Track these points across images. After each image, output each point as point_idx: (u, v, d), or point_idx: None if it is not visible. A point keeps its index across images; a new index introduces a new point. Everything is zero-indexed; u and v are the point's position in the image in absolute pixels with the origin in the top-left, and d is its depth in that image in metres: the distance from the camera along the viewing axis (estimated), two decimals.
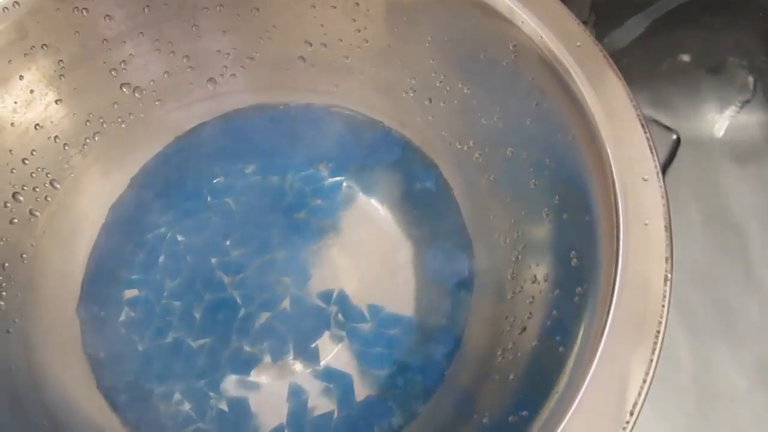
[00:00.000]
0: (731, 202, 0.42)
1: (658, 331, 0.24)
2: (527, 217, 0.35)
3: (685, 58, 0.46)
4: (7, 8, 0.34)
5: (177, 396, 0.37)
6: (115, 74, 0.40)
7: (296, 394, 0.37)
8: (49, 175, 0.39)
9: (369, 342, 0.38)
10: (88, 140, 0.40)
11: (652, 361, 0.24)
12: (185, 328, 0.39)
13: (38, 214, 0.38)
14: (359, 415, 0.36)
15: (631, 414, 0.23)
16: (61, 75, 0.37)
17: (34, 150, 0.38)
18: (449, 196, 0.41)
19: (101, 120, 0.40)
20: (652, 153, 0.27)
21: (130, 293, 0.40)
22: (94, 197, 0.41)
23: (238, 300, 0.40)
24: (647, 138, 0.28)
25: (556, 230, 0.32)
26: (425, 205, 0.41)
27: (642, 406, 0.23)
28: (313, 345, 0.39)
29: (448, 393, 0.36)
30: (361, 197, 0.43)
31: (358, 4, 0.38)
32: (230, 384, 0.38)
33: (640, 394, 0.23)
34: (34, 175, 0.38)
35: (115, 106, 0.41)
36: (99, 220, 0.41)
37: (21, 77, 0.36)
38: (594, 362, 0.24)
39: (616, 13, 0.46)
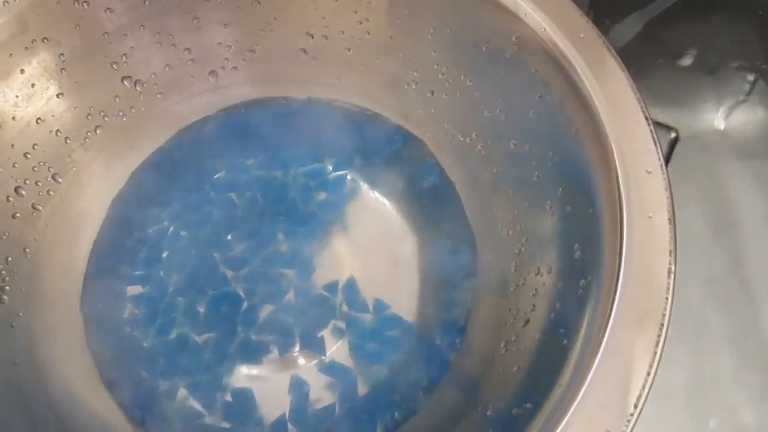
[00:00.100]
0: (730, 199, 0.42)
1: (662, 324, 0.24)
2: (530, 209, 0.35)
3: (684, 56, 0.46)
4: (7, 1, 0.34)
5: (182, 390, 0.37)
6: (116, 67, 0.39)
7: (298, 386, 0.37)
8: (51, 169, 0.39)
9: (365, 336, 0.39)
10: (89, 134, 0.40)
11: (656, 353, 0.24)
12: (189, 323, 0.39)
13: (40, 208, 0.38)
14: (361, 408, 0.37)
15: (635, 407, 0.23)
16: (62, 68, 0.37)
17: (35, 144, 0.37)
18: (452, 190, 0.41)
19: (102, 113, 0.40)
20: (655, 145, 0.27)
21: (134, 289, 0.40)
22: (97, 191, 0.41)
23: (242, 294, 0.40)
24: (651, 130, 0.28)
25: (559, 223, 0.32)
26: (428, 198, 0.41)
27: (646, 399, 0.23)
28: (318, 335, 0.39)
29: (452, 385, 0.36)
30: (365, 191, 0.43)
31: None
32: (234, 377, 0.38)
33: (644, 386, 0.23)
34: (36, 169, 0.38)
35: (117, 99, 0.41)
36: (101, 214, 0.41)
37: (22, 71, 0.36)
38: (598, 355, 0.24)
39: (615, 11, 0.46)
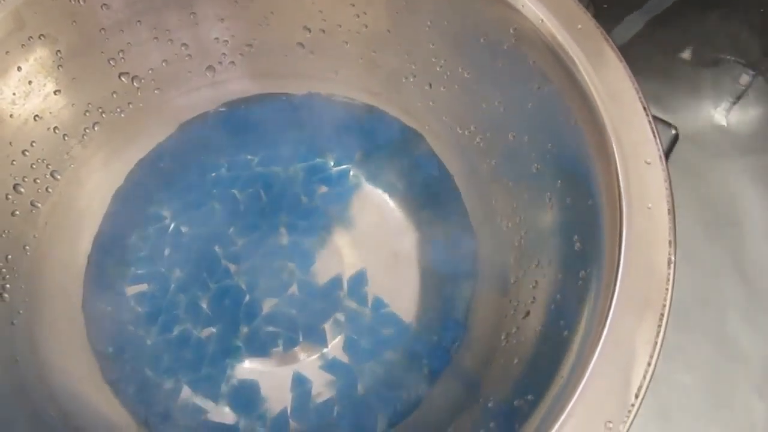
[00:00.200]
0: (729, 195, 0.42)
1: (663, 314, 0.24)
2: (530, 201, 0.35)
3: (684, 53, 0.46)
4: None
5: (185, 387, 0.37)
6: (113, 63, 0.39)
7: (300, 383, 0.37)
8: (49, 167, 0.39)
9: (360, 332, 0.39)
10: (87, 130, 0.40)
11: (656, 344, 0.24)
12: (192, 319, 0.39)
13: (39, 205, 0.38)
14: (361, 404, 0.37)
15: (636, 397, 0.23)
16: (60, 65, 0.37)
17: (33, 141, 0.37)
18: (451, 182, 0.41)
19: (100, 110, 0.40)
20: (654, 136, 0.27)
21: (136, 287, 0.40)
22: (96, 187, 0.41)
23: (244, 287, 0.40)
24: (649, 121, 0.28)
25: (558, 214, 0.32)
26: (428, 191, 0.41)
27: (647, 389, 0.23)
28: (320, 327, 0.39)
29: (453, 378, 0.36)
30: (365, 185, 0.43)
31: None
32: (236, 373, 0.38)
33: (644, 377, 0.23)
34: (34, 166, 0.38)
35: (114, 95, 0.40)
36: (101, 211, 0.41)
37: (19, 68, 0.36)
38: (598, 346, 0.24)
39: (615, 9, 0.46)
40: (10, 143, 0.36)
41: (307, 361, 0.38)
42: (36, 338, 0.36)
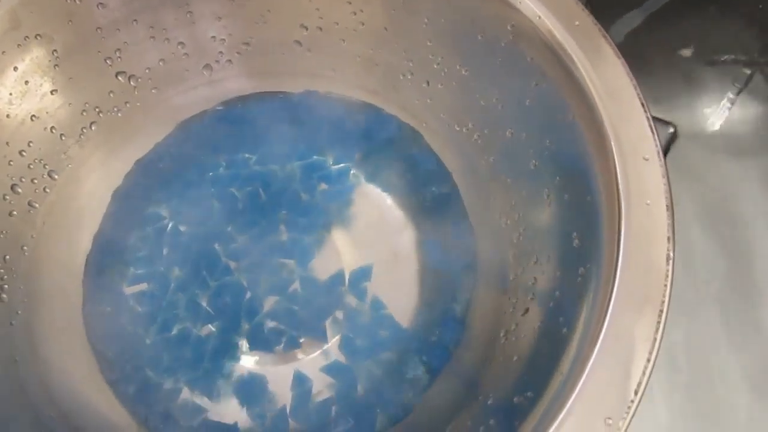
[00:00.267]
0: (728, 193, 0.42)
1: (662, 310, 0.24)
2: (528, 198, 0.35)
3: (682, 51, 0.46)
4: None
5: (184, 386, 0.37)
6: (110, 63, 0.39)
7: (301, 382, 0.37)
8: (46, 167, 0.38)
9: (357, 332, 0.39)
10: (84, 130, 0.40)
11: (656, 340, 0.24)
12: (192, 318, 0.39)
13: (37, 205, 0.38)
14: (362, 402, 0.37)
15: (636, 393, 0.23)
16: (56, 65, 0.37)
17: (30, 141, 0.37)
18: (450, 180, 0.41)
19: (97, 109, 0.40)
20: (652, 132, 0.27)
21: (135, 287, 0.40)
22: (94, 187, 0.41)
23: (245, 283, 0.40)
24: (647, 117, 0.28)
25: (557, 211, 0.32)
26: (427, 189, 0.41)
27: (646, 386, 0.23)
28: (322, 324, 0.39)
29: (452, 376, 0.36)
30: (363, 183, 0.43)
31: None
32: (236, 371, 0.38)
33: (644, 373, 0.23)
34: (31, 166, 0.38)
35: (111, 95, 0.40)
36: (99, 210, 0.41)
37: (15, 68, 0.35)
38: (598, 342, 0.24)
39: (613, 7, 0.46)
40: (7, 143, 0.36)
41: (308, 359, 0.38)
42: (35, 339, 0.36)
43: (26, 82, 0.36)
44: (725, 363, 0.38)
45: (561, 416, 0.23)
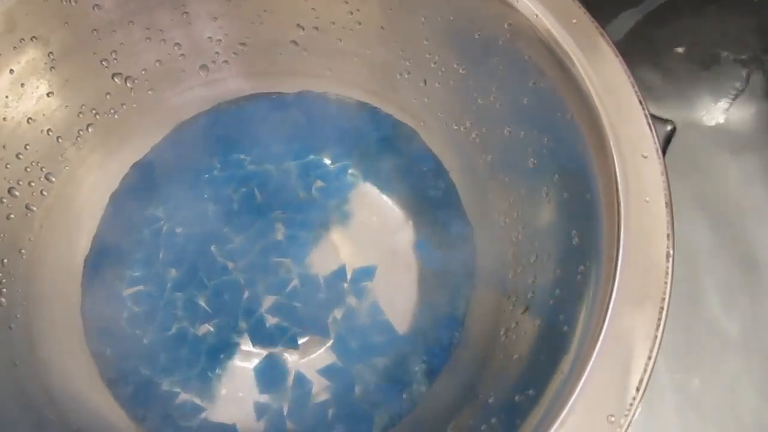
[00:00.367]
0: (726, 191, 0.42)
1: (662, 308, 0.24)
2: (527, 196, 0.35)
3: (679, 50, 0.46)
4: None
5: (182, 387, 0.37)
6: (106, 64, 0.39)
7: (301, 384, 0.37)
8: (43, 169, 0.38)
9: (352, 333, 0.39)
10: (81, 132, 0.40)
11: (656, 337, 0.24)
12: (189, 318, 0.39)
13: (35, 208, 0.38)
14: (360, 404, 0.37)
15: (638, 391, 0.23)
16: (52, 67, 0.37)
17: (27, 144, 0.37)
18: (448, 179, 0.41)
19: (94, 111, 0.40)
20: (651, 130, 0.27)
21: (133, 289, 0.40)
22: (91, 189, 0.41)
23: (242, 282, 0.40)
24: (646, 115, 0.28)
25: (556, 209, 0.32)
26: (425, 188, 0.41)
27: (648, 383, 0.23)
28: (324, 320, 0.39)
29: (453, 374, 0.36)
30: (362, 183, 0.43)
31: None
32: (235, 370, 0.38)
33: (645, 370, 0.23)
34: (28, 169, 0.37)
35: (108, 96, 0.40)
36: (97, 213, 0.41)
37: (11, 71, 0.35)
38: (598, 341, 0.24)
39: (610, 6, 0.46)
40: (4, 146, 0.36)
41: (308, 360, 0.38)
42: (34, 341, 0.36)
43: (22, 85, 0.36)
44: (726, 361, 0.38)
45: (563, 414, 0.23)
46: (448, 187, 0.41)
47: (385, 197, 0.42)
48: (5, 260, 0.36)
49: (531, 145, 0.33)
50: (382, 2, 0.37)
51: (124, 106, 0.41)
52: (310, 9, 0.39)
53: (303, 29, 0.41)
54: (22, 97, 0.36)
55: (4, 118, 0.36)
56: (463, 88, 0.37)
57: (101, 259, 0.40)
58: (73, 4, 0.36)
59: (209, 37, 0.41)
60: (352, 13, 0.39)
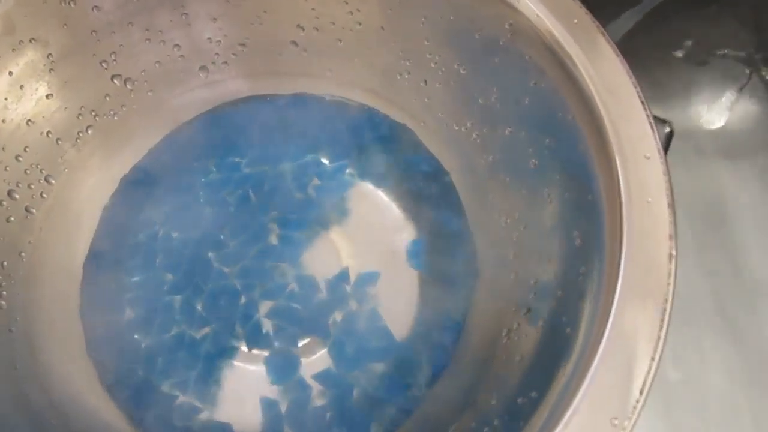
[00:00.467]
0: (725, 193, 0.42)
1: (665, 309, 0.24)
2: (528, 197, 0.34)
3: (678, 50, 0.46)
4: None
5: (181, 388, 0.37)
6: (105, 66, 0.39)
7: (301, 389, 0.37)
8: (43, 171, 0.38)
9: (348, 338, 0.38)
10: (81, 134, 0.40)
11: (660, 338, 0.24)
12: (187, 321, 0.39)
13: (34, 211, 0.38)
14: (359, 407, 0.36)
15: (641, 393, 0.23)
16: (51, 69, 0.37)
17: (27, 146, 0.37)
18: (448, 179, 0.41)
19: (93, 113, 0.40)
20: (652, 130, 0.27)
21: (131, 293, 0.40)
22: (91, 191, 0.41)
23: (238, 287, 0.40)
24: (647, 115, 0.27)
25: (557, 210, 0.32)
26: (425, 188, 0.41)
27: (651, 385, 0.23)
28: (324, 321, 0.39)
29: (453, 376, 0.36)
30: (361, 184, 0.42)
31: None
32: (234, 373, 0.38)
33: (649, 373, 0.23)
34: (28, 171, 0.37)
35: (107, 98, 0.40)
36: (96, 214, 0.41)
37: (10, 73, 0.35)
38: (601, 342, 0.24)
39: (608, 7, 0.46)
40: (3, 149, 0.36)
41: (309, 360, 0.38)
42: (35, 345, 0.36)
43: (21, 87, 0.36)
44: (724, 363, 0.38)
45: (567, 416, 0.23)
46: (448, 188, 0.41)
47: (384, 197, 0.42)
48: (5, 263, 0.36)
49: (532, 146, 0.33)
50: (382, 2, 0.37)
51: (124, 108, 0.41)
52: (310, 9, 0.39)
53: (303, 30, 0.40)
54: (21, 99, 0.36)
55: (3, 120, 0.36)
56: (464, 88, 0.37)
57: (98, 263, 0.40)
58: (72, 5, 0.36)
59: (209, 38, 0.41)
60: (352, 14, 0.38)
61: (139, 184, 0.42)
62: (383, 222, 0.41)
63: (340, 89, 0.43)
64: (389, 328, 0.38)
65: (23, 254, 0.37)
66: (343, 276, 0.40)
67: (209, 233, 0.41)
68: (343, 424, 0.36)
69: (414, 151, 0.42)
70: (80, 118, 0.39)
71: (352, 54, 0.41)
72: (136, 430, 0.36)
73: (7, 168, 0.36)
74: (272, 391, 0.38)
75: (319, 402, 0.37)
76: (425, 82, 0.39)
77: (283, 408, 0.37)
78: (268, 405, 0.37)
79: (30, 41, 0.35)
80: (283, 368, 0.38)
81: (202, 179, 0.42)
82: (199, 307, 0.39)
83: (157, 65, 0.41)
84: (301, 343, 0.39)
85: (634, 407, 0.23)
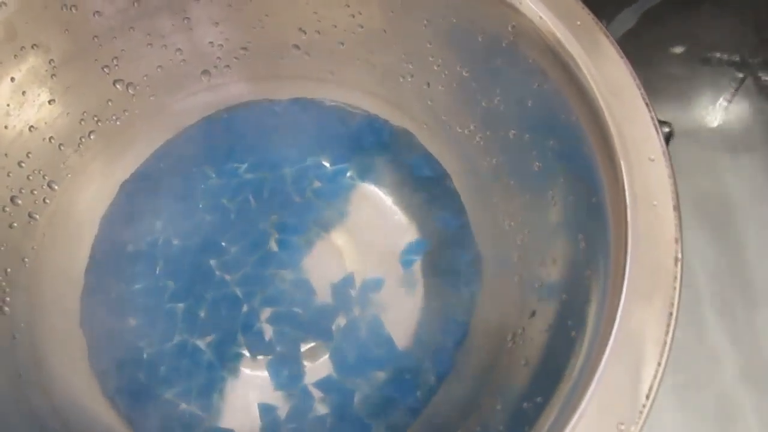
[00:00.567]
0: (725, 192, 0.42)
1: (671, 313, 0.24)
2: (532, 200, 0.34)
3: (676, 50, 0.45)
4: None
5: (184, 398, 0.37)
6: (107, 71, 0.39)
7: (305, 398, 0.37)
8: (46, 177, 0.38)
9: (350, 346, 0.38)
10: (83, 139, 0.40)
11: (666, 343, 0.23)
12: (189, 330, 0.38)
13: (37, 217, 0.38)
14: (360, 416, 0.36)
15: (648, 398, 0.23)
16: (53, 74, 0.37)
17: (29, 152, 0.37)
18: (451, 182, 0.41)
19: (96, 118, 0.40)
20: (657, 132, 0.27)
21: (132, 301, 0.39)
22: (93, 197, 0.41)
23: (240, 294, 0.39)
24: (652, 117, 0.27)
25: (562, 213, 0.32)
26: (426, 193, 0.41)
27: (658, 390, 0.23)
28: (329, 325, 0.39)
29: (457, 381, 0.36)
30: (363, 187, 0.42)
31: None
32: (237, 380, 0.38)
33: (655, 377, 0.23)
34: (31, 177, 0.37)
35: (109, 103, 0.40)
36: (98, 220, 0.41)
37: (12, 79, 0.35)
38: (607, 346, 0.24)
39: (606, 7, 0.46)
40: (6, 155, 0.36)
41: (314, 365, 0.38)
42: (38, 351, 0.36)
43: (23, 93, 0.36)
44: (724, 362, 0.38)
45: (573, 421, 0.23)
46: (450, 191, 0.41)
47: (387, 200, 0.42)
48: (8, 269, 0.36)
49: (536, 148, 0.33)
50: (383, 5, 0.37)
51: (126, 113, 0.41)
52: (312, 13, 0.39)
53: (305, 33, 0.40)
54: (23, 105, 0.36)
55: (6, 127, 0.36)
56: (467, 90, 0.37)
57: (99, 271, 0.40)
58: (74, 11, 0.36)
59: (210, 42, 0.41)
60: (354, 17, 0.38)
61: (139, 190, 0.42)
62: (386, 225, 0.41)
63: (342, 92, 0.43)
64: (391, 335, 0.38)
65: (26, 260, 0.37)
66: (348, 281, 0.39)
67: (210, 240, 0.41)
68: (344, 431, 0.36)
69: (416, 153, 0.42)
70: (82, 123, 0.39)
71: (354, 57, 0.41)
72: None
73: (10, 174, 0.36)
74: (274, 398, 0.37)
75: (320, 408, 0.37)
76: (428, 84, 0.39)
77: (282, 414, 0.37)
78: (266, 410, 0.37)
79: (32, 47, 0.35)
80: (287, 376, 0.37)
81: (201, 186, 0.42)
82: (202, 315, 0.39)
83: (159, 70, 0.41)
84: (304, 348, 0.38)
85: (641, 412, 0.22)
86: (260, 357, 0.38)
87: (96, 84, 0.39)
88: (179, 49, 0.41)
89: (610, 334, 0.24)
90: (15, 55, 0.35)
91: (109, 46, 0.38)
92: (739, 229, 0.41)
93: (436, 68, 0.38)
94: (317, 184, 0.42)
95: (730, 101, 0.44)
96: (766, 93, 0.44)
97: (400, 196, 0.42)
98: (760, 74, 0.45)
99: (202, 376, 0.37)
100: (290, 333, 0.39)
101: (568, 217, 0.31)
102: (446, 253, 0.40)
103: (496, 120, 0.36)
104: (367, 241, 0.41)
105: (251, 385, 0.38)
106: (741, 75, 0.45)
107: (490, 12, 0.32)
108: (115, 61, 0.39)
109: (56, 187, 0.39)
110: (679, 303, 0.24)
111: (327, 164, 0.43)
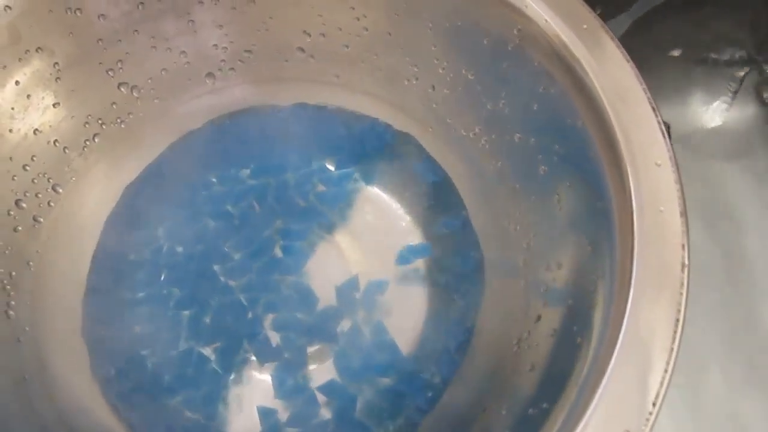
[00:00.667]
0: (723, 193, 0.42)
1: (678, 319, 0.24)
2: (537, 204, 0.34)
3: (674, 52, 0.45)
4: None
5: (188, 405, 0.37)
6: (111, 74, 0.39)
7: (310, 404, 0.37)
8: (50, 180, 0.38)
9: (354, 350, 0.38)
10: (88, 142, 0.40)
11: (673, 349, 0.23)
12: (194, 337, 0.38)
13: (42, 220, 0.38)
14: (363, 422, 0.36)
15: (654, 405, 0.23)
16: (57, 78, 0.37)
17: (34, 156, 0.37)
18: (455, 186, 0.41)
19: (100, 121, 0.40)
20: (664, 137, 0.27)
21: (136, 309, 0.39)
22: (98, 199, 0.41)
23: (244, 301, 0.39)
24: (658, 121, 0.27)
25: (568, 217, 0.31)
26: (431, 196, 0.41)
27: (665, 397, 0.23)
28: (333, 327, 0.39)
29: (462, 386, 0.36)
30: (368, 191, 0.42)
31: None
32: (240, 388, 0.38)
33: (662, 384, 0.23)
34: (35, 181, 0.37)
35: (114, 106, 0.40)
36: (102, 223, 0.41)
37: (17, 82, 0.35)
38: (614, 352, 0.24)
39: (605, 9, 0.45)
40: (11, 158, 0.36)
41: (318, 368, 0.38)
42: (43, 355, 0.36)
43: (28, 96, 0.36)
44: (725, 364, 0.38)
45: (579, 428, 0.23)
46: (456, 194, 0.40)
47: (391, 204, 0.42)
48: (13, 273, 0.36)
49: (542, 152, 0.33)
50: (388, 8, 0.37)
51: (131, 116, 0.41)
52: (317, 15, 0.39)
53: (309, 36, 0.40)
54: (28, 109, 0.36)
55: (11, 130, 0.36)
56: (472, 93, 0.37)
57: (102, 278, 0.39)
58: (78, 14, 0.36)
59: (215, 45, 0.41)
60: (358, 19, 0.38)
61: (143, 194, 0.42)
62: (390, 228, 0.41)
63: (347, 95, 0.43)
64: (395, 341, 0.38)
65: (31, 263, 0.37)
66: (352, 283, 0.39)
67: (214, 247, 0.40)
68: None
69: (421, 157, 0.42)
70: (87, 126, 0.39)
71: (359, 60, 0.41)
72: None
73: (15, 177, 0.36)
74: (277, 402, 0.37)
75: (323, 413, 0.37)
76: (433, 87, 0.39)
77: (283, 417, 0.37)
78: (266, 414, 0.37)
79: (36, 50, 0.35)
80: (292, 385, 0.37)
81: (206, 192, 0.42)
82: (207, 321, 0.39)
83: (163, 72, 0.41)
84: (310, 350, 0.38)
85: (648, 419, 0.22)
86: (267, 364, 0.38)
87: (100, 87, 0.39)
88: (183, 52, 0.40)
89: (616, 339, 0.24)
90: (19, 59, 0.35)
91: (114, 49, 0.38)
92: (739, 228, 0.41)
93: (441, 71, 0.38)
94: (321, 188, 0.42)
95: (729, 102, 0.44)
96: (766, 93, 0.44)
97: (405, 199, 0.42)
98: (758, 74, 0.45)
99: (207, 383, 0.37)
100: (296, 339, 0.38)
101: (574, 221, 0.31)
102: (451, 256, 0.40)
103: (501, 123, 0.36)
104: (371, 245, 0.41)
105: (257, 391, 0.38)
106: (740, 76, 0.45)
107: (496, 15, 0.32)
108: (119, 64, 0.39)
109: (60, 191, 0.39)
110: (686, 309, 0.24)
111: (332, 168, 0.43)
